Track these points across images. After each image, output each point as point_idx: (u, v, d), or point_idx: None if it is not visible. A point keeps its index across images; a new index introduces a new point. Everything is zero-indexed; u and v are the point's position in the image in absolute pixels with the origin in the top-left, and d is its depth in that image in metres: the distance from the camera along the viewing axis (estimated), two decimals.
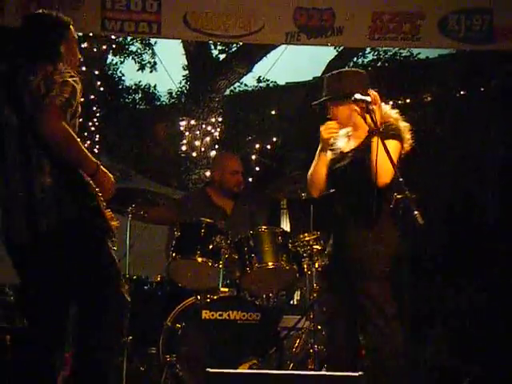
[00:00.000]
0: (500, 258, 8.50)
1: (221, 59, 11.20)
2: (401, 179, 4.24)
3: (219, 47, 11.33)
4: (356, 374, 3.63)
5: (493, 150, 9.71)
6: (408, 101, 10.71)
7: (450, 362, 6.78)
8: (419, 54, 11.29)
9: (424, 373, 6.50)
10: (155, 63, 12.24)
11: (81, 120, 3.78)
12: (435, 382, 6.43)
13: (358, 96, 4.18)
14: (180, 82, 12.50)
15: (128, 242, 5.30)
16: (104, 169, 3.69)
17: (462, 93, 10.48)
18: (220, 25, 6.51)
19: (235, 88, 12.35)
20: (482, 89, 10.15)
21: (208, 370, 3.75)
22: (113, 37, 9.82)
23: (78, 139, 3.56)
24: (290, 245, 5.36)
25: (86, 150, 3.60)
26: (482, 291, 7.79)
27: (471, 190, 9.49)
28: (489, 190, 9.47)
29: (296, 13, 6.52)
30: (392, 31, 6.56)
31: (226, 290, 5.21)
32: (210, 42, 10.40)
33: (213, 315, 5.03)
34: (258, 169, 10.59)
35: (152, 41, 11.85)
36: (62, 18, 3.84)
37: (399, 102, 10.66)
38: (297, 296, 6.69)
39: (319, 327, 5.27)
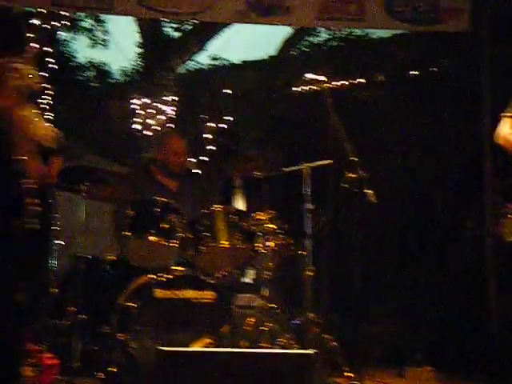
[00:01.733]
0: (450, 238, 8.62)
1: (174, 37, 11.12)
2: (354, 158, 4.28)
3: (173, 25, 11.24)
4: (310, 351, 3.67)
5: (444, 129, 9.81)
6: (360, 81, 10.75)
7: (403, 337, 6.89)
8: (372, 33, 11.32)
9: (380, 348, 6.60)
10: (108, 40, 12.12)
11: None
12: (387, 356, 6.53)
13: None
14: (133, 60, 12.40)
15: (80, 221, 5.26)
16: None
17: (414, 72, 10.53)
18: (171, 2, 6.46)
19: (189, 66, 12.28)
20: (435, 69, 10.23)
21: (159, 348, 3.77)
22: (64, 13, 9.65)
23: None
24: (244, 224, 5.37)
25: None
26: (436, 271, 7.90)
27: (424, 169, 9.58)
28: (441, 169, 9.57)
29: None
30: (339, 12, 6.57)
31: (180, 268, 5.20)
32: (163, 19, 10.33)
33: (166, 294, 5.02)
34: (212, 147, 10.56)
35: (104, 17, 11.72)
36: None
37: (352, 81, 10.70)
38: (250, 275, 6.71)
39: (273, 305, 5.31)
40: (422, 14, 6.64)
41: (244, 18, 6.60)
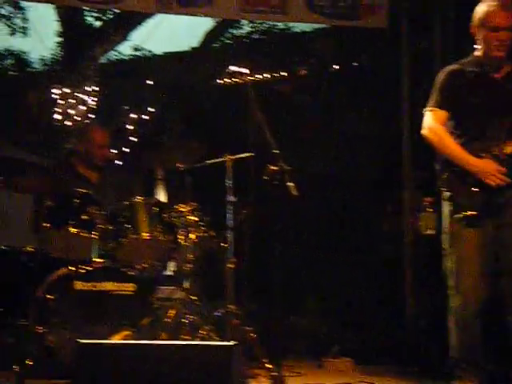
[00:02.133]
0: (371, 232, 8.75)
1: (96, 26, 10.97)
2: (276, 151, 4.30)
3: (94, 14, 11.09)
4: (230, 343, 3.68)
5: (366, 123, 9.95)
6: (283, 74, 10.82)
7: (323, 330, 6.97)
8: (294, 27, 11.40)
9: (299, 340, 6.66)
10: (27, 28, 11.88)
11: None
12: (307, 348, 6.59)
13: None
14: (53, 49, 12.19)
15: None
16: None
17: (335, 67, 10.65)
18: None
19: (111, 56, 12.14)
20: (355, 64, 10.37)
21: (79, 340, 3.73)
22: None
23: None
24: (165, 216, 5.36)
25: None
26: (355, 264, 8.01)
27: (345, 162, 9.70)
28: (361, 164, 9.71)
29: None
30: (261, 4, 6.59)
31: (100, 260, 5.15)
32: (85, 8, 10.20)
33: (86, 286, 4.96)
34: (134, 139, 10.48)
35: (24, 4, 11.49)
36: None
37: (274, 74, 10.76)
38: (171, 267, 6.70)
39: (193, 297, 5.31)
40: (342, 8, 6.70)
41: (165, 9, 6.55)
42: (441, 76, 4.51)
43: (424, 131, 4.47)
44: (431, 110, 4.47)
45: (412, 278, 6.75)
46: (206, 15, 7.19)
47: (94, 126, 6.49)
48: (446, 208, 4.45)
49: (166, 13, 6.77)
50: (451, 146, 4.39)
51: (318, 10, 6.66)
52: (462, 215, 4.31)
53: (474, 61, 4.45)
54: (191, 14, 6.84)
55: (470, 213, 4.28)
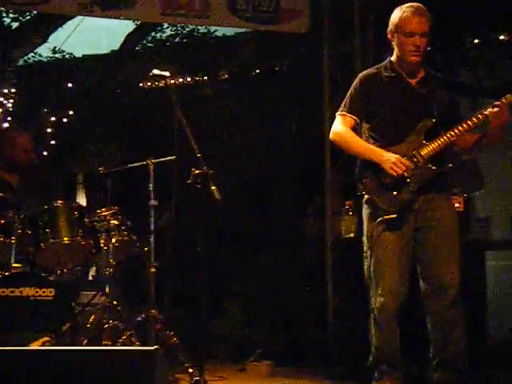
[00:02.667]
0: (294, 236, 8.82)
1: (14, 27, 10.76)
2: (199, 155, 4.30)
3: (11, 15, 10.87)
4: (151, 348, 3.65)
5: (283, 128, 10.03)
6: (205, 78, 10.82)
7: (245, 334, 6.99)
8: (216, 31, 11.39)
9: (221, 344, 6.66)
10: None
11: None
12: (230, 352, 6.60)
13: None
14: None
15: None
16: None
17: (257, 71, 10.70)
18: None
19: (29, 58, 11.92)
20: (276, 68, 10.42)
21: None
22: None
23: None
24: (86, 220, 5.30)
25: None
26: (278, 267, 8.05)
27: (267, 166, 9.74)
28: (281, 168, 9.77)
29: None
30: (183, 7, 6.58)
31: (19, 265, 5.05)
32: (2, 9, 10.00)
33: (4, 292, 4.88)
34: (53, 142, 10.32)
35: None
36: None
37: (196, 78, 10.75)
38: (92, 271, 6.62)
39: (114, 302, 5.26)
40: (263, 13, 6.74)
41: (88, 12, 6.47)
42: (355, 81, 4.59)
43: (331, 135, 4.56)
44: (340, 115, 4.55)
45: (333, 280, 6.82)
46: (127, 18, 7.14)
47: (17, 130, 6.33)
48: (366, 211, 4.52)
49: (89, 15, 6.68)
50: (357, 143, 4.48)
51: (239, 14, 6.68)
52: (380, 218, 4.38)
53: (389, 65, 4.54)
54: (113, 17, 6.78)
55: (387, 216, 4.35)
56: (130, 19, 9.01)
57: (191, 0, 6.57)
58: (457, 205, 6.09)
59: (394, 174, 4.30)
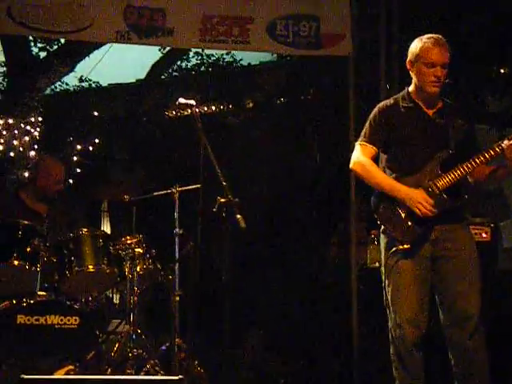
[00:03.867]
0: (320, 265, 8.78)
1: (41, 57, 10.87)
2: (224, 183, 4.30)
3: (39, 45, 10.99)
4: (176, 377, 3.63)
5: (308, 157, 10.04)
6: (230, 106, 10.87)
7: (268, 363, 6.94)
8: (241, 60, 11.45)
9: (243, 373, 6.62)
10: None
11: None
12: (252, 382, 6.55)
13: None
14: None
15: None
16: None
17: (282, 100, 10.72)
18: (47, 20, 6.26)
19: (56, 87, 12.03)
20: (302, 97, 10.45)
21: (22, 376, 3.64)
22: None
23: None
24: (111, 248, 5.31)
25: None
26: (302, 292, 8.01)
27: (287, 195, 9.74)
28: (302, 197, 9.75)
29: (126, 11, 6.40)
30: (222, 34, 6.60)
31: (44, 293, 5.06)
32: (31, 38, 10.12)
33: (29, 320, 4.88)
34: (79, 170, 10.37)
35: None
36: None
37: (221, 107, 10.80)
38: (117, 300, 6.61)
39: (139, 331, 5.24)
40: (304, 38, 6.75)
41: (124, 39, 6.49)
42: (373, 111, 4.58)
43: (351, 165, 4.55)
44: (360, 144, 4.54)
45: (358, 310, 6.75)
46: (166, 45, 7.13)
47: (52, 160, 6.24)
48: (383, 241, 4.49)
49: (126, 43, 6.70)
50: (378, 176, 4.46)
51: (280, 40, 6.69)
52: (394, 248, 4.34)
53: (407, 96, 4.52)
54: (151, 45, 6.81)
55: (402, 247, 4.32)
56: (168, 46, 9.10)
57: (230, 27, 6.58)
58: (484, 235, 6.04)
59: (419, 212, 4.28)
